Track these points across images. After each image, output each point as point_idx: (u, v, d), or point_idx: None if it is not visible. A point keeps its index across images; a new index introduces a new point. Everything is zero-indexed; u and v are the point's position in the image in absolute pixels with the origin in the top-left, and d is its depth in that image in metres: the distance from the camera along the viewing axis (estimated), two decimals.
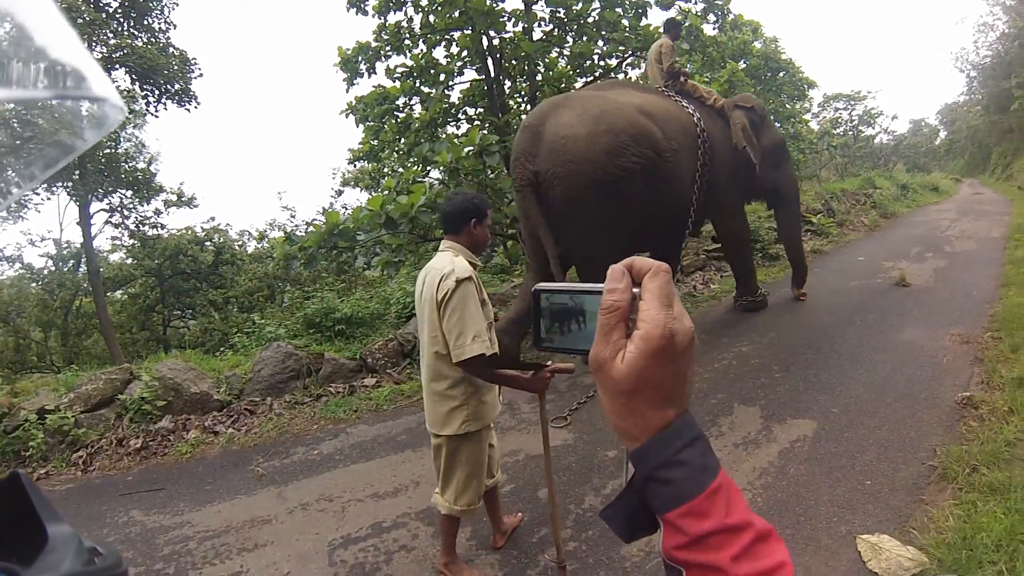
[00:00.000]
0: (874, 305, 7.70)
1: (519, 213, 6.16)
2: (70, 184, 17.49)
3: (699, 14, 12.82)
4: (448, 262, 2.75)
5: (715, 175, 6.74)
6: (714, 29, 13.90)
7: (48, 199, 19.17)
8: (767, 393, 5.24)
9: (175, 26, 17.15)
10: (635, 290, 0.58)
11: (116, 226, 20.47)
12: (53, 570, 0.42)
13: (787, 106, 19.65)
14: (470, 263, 2.82)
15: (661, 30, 7.94)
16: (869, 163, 35.03)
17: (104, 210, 19.92)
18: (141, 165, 20.63)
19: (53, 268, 20.37)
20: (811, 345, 6.35)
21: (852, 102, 39.17)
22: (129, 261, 20.66)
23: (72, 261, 20.76)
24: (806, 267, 8.31)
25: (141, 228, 20.61)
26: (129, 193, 20.21)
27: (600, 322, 0.58)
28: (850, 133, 38.23)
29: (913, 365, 5.59)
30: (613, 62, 12.18)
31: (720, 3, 13.13)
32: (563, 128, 5.53)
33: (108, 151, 18.79)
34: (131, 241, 20.68)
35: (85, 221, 17.96)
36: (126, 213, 20.43)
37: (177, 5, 16.98)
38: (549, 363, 2.97)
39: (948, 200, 21.72)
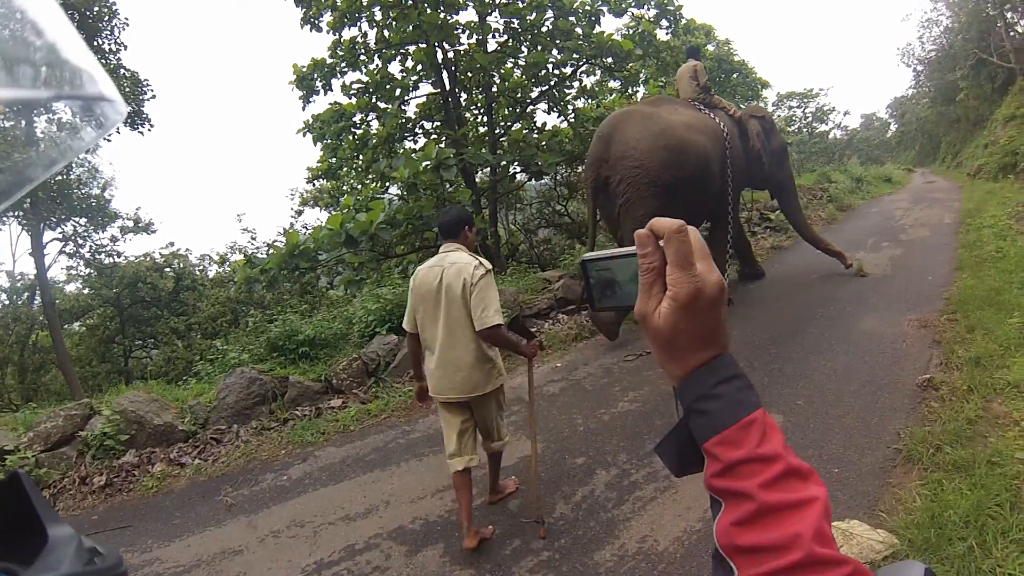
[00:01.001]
0: (834, 296, 7.87)
1: (589, 208, 7.57)
2: (21, 213, 17.07)
3: (651, 20, 13.02)
4: (468, 257, 3.47)
5: (733, 172, 8.05)
6: (667, 34, 14.11)
7: None
8: None
9: (125, 47, 16.88)
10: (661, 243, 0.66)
11: (71, 255, 20.09)
12: (53, 570, 0.42)
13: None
14: (475, 255, 3.57)
15: (686, 56, 9.81)
16: (824, 158, 35.82)
17: (57, 239, 19.51)
18: (95, 191, 20.23)
19: (7, 302, 19.83)
20: (774, 340, 6.46)
21: (805, 100, 40.17)
22: (86, 291, 20.26)
23: (26, 294, 20.20)
24: (819, 239, 9.53)
25: (97, 257, 20.20)
26: (83, 221, 19.80)
27: (641, 282, 0.66)
28: (804, 130, 39.14)
29: (874, 352, 5.72)
30: (568, 70, 12.29)
31: (672, 8, 13.35)
32: (630, 140, 6.82)
33: (60, 178, 18.37)
34: (87, 270, 20.28)
35: (38, 251, 17.53)
36: (80, 241, 20.03)
37: (128, 25, 16.72)
38: (538, 336, 4.00)
39: (901, 190, 22.25)
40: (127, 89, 16.09)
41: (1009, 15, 26.30)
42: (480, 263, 3.44)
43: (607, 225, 7.58)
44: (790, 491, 0.59)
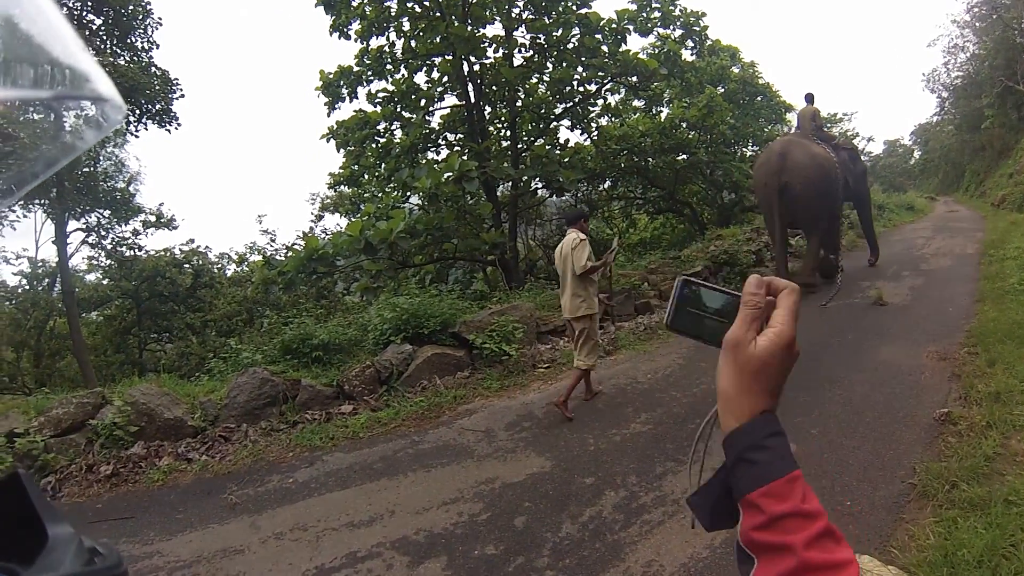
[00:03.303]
0: (852, 325, 7.79)
1: (764, 207, 10.30)
2: (47, 202, 17.31)
3: (677, 40, 13.03)
4: (577, 235, 5.74)
5: (843, 189, 10.78)
6: (692, 55, 14.12)
7: (24, 217, 19.00)
8: None
9: (158, 46, 17.06)
10: (769, 297, 0.70)
11: (93, 246, 20.30)
12: (53, 570, 0.42)
13: (765, 130, 19.85)
14: (583, 234, 5.82)
15: (805, 100, 11.77)
16: None
17: (81, 229, 19.73)
18: (120, 185, 20.50)
19: (27, 287, 20.05)
20: None
21: (829, 125, 39.89)
22: (105, 282, 20.44)
23: (47, 280, 20.45)
24: (877, 246, 12.53)
25: (118, 249, 20.40)
26: (107, 213, 20.05)
27: (743, 314, 0.69)
28: None
29: (891, 383, 5.63)
30: (592, 88, 12.32)
31: (698, 29, 13.35)
32: (799, 159, 9.69)
33: (87, 170, 18.64)
34: (108, 262, 20.46)
35: (61, 240, 17.74)
36: (103, 233, 20.26)
37: (161, 25, 16.93)
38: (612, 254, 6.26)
39: (924, 219, 22.02)
40: (157, 87, 16.27)
41: None
42: (581, 238, 5.72)
43: (772, 223, 10.14)
44: (829, 552, 0.59)
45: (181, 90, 17.18)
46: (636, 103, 16.11)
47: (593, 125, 14.43)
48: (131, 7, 16.02)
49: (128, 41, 16.63)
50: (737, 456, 0.66)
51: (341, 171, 13.75)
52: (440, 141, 12.93)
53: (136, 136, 17.24)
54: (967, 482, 3.61)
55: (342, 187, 16.31)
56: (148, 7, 16.54)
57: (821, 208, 10.09)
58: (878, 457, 4.24)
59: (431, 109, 12.17)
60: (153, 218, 21.09)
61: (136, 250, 20.61)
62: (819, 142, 10.77)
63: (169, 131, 17.16)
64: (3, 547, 0.43)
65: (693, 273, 10.31)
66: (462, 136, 12.59)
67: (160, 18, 16.89)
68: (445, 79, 11.69)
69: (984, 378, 5.27)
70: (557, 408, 5.58)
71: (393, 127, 12.36)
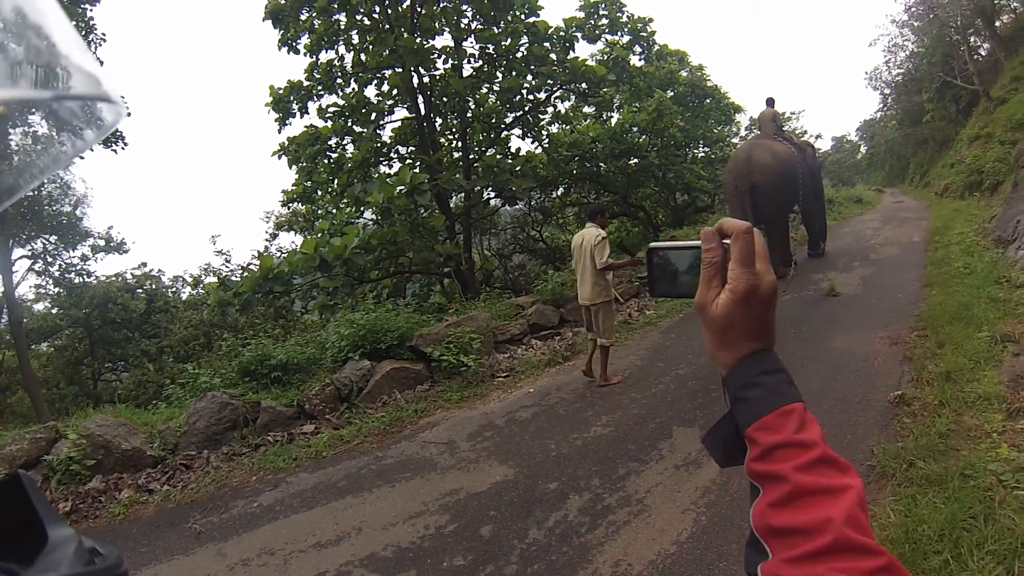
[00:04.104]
0: (807, 316, 8.03)
1: (736, 208, 10.49)
2: None
3: (625, 46, 13.23)
4: (596, 230, 6.35)
5: (803, 183, 11.45)
6: (640, 60, 14.35)
7: None
8: (705, 413, 5.37)
9: (102, 63, 16.60)
10: (725, 242, 0.73)
11: (40, 274, 19.74)
12: (53, 570, 0.43)
13: (715, 131, 20.28)
14: (602, 230, 6.46)
15: (766, 104, 12.63)
16: None
17: (27, 256, 19.16)
18: (66, 208, 19.88)
19: None
20: None
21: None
22: (54, 311, 19.83)
23: None
24: (824, 238, 12.96)
25: (67, 276, 19.86)
26: (53, 238, 19.47)
27: (703, 274, 0.73)
28: None
29: (847, 371, 5.83)
30: (542, 96, 12.44)
31: (645, 35, 13.59)
32: (763, 160, 10.37)
33: (30, 193, 18.05)
34: (56, 289, 19.90)
35: (6, 269, 17.14)
36: (50, 260, 19.70)
37: (105, 41, 16.50)
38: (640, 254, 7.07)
39: (872, 210, 22.61)
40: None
41: (972, 39, 27.17)
42: (601, 235, 6.32)
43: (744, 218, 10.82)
44: (825, 477, 0.62)
45: (128, 109, 16.76)
46: (586, 109, 16.28)
47: (544, 133, 14.55)
48: (73, 22, 15.60)
49: None
50: (733, 396, 0.71)
51: (294, 188, 13.63)
52: (392, 154, 12.93)
53: (81, 157, 16.81)
54: (923, 460, 3.75)
55: (296, 204, 16.16)
56: (91, 23, 16.11)
57: (787, 202, 11.13)
58: (837, 442, 4.36)
59: (382, 122, 12.16)
60: (102, 242, 20.57)
61: (85, 276, 20.11)
62: (782, 140, 11.65)
63: (116, 151, 16.73)
64: (3, 547, 0.43)
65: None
66: (414, 148, 12.61)
67: (104, 34, 16.47)
68: (395, 92, 11.70)
69: (934, 359, 5.49)
70: (604, 386, 6.44)
71: (344, 142, 12.32)
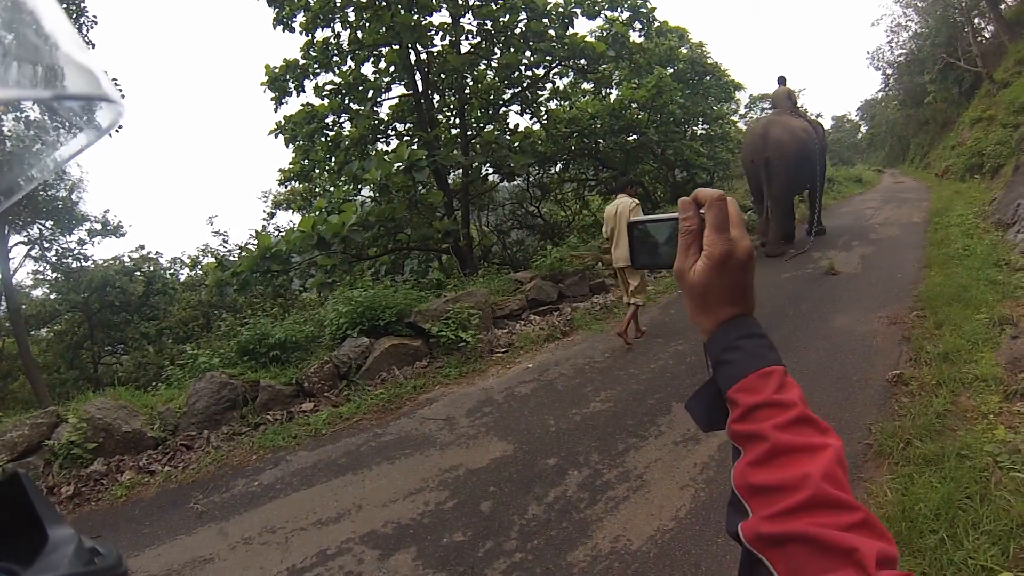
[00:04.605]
0: (806, 295, 8.00)
1: (752, 182, 11.42)
2: None
3: (624, 22, 13.08)
4: (628, 199, 6.77)
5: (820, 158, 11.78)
6: (640, 36, 14.20)
7: None
8: None
9: (93, 45, 16.48)
10: (702, 211, 0.74)
11: (37, 259, 19.63)
12: (53, 570, 0.42)
13: (715, 108, 20.12)
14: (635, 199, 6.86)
15: (777, 82, 12.83)
16: None
17: (23, 242, 19.06)
18: (62, 193, 19.71)
19: None
20: None
21: None
22: (53, 296, 19.75)
23: None
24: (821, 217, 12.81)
25: (64, 260, 19.77)
26: (50, 223, 19.35)
27: (680, 242, 0.75)
28: None
29: (845, 349, 5.82)
30: (540, 72, 12.32)
31: (645, 11, 13.42)
32: (778, 136, 10.69)
33: None
34: (54, 275, 19.82)
35: (3, 255, 17.10)
36: (47, 245, 19.60)
37: (96, 23, 16.31)
38: None
39: (872, 190, 22.59)
40: None
41: (976, 21, 26.99)
42: (636, 202, 6.77)
43: (760, 194, 11.27)
44: (804, 435, 0.63)
45: (121, 91, 16.61)
46: (585, 86, 16.16)
47: (542, 109, 14.45)
48: (63, 5, 15.41)
49: None
50: (715, 360, 0.71)
51: (291, 167, 13.55)
52: (389, 132, 12.83)
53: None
54: (921, 439, 3.76)
55: (293, 183, 16.08)
56: (82, 5, 15.93)
57: (802, 179, 11.39)
58: (835, 420, 4.35)
59: (379, 100, 12.03)
60: (99, 226, 20.45)
61: (83, 260, 20.00)
62: (799, 116, 11.93)
63: (111, 135, 16.62)
64: (3, 547, 0.43)
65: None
66: (411, 126, 12.50)
67: (95, 16, 16.29)
68: (392, 69, 11.55)
69: (933, 339, 5.48)
70: (628, 342, 6.87)
71: (341, 120, 12.20)
